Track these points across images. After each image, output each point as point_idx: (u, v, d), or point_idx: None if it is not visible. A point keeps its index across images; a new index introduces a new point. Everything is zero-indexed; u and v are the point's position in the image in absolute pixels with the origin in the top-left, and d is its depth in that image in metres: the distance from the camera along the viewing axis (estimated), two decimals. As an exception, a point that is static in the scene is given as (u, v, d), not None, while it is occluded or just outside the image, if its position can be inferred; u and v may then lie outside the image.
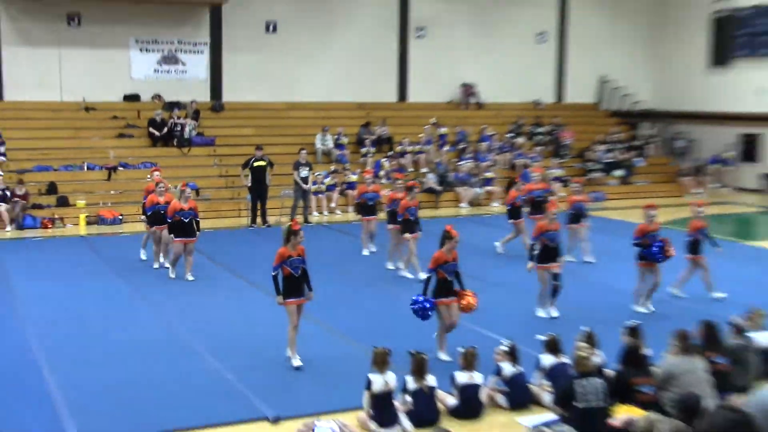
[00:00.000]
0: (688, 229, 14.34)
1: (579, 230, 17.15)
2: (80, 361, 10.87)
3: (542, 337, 9.93)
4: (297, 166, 21.97)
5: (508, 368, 9.51)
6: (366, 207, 17.79)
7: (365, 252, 17.92)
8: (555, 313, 12.89)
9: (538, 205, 17.50)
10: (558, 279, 12.86)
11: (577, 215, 17.04)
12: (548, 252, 12.87)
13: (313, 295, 10.87)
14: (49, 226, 21.12)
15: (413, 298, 10.89)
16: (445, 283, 10.93)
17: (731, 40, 30.13)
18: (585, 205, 17.46)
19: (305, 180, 21.87)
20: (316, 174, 23.23)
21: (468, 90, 30.33)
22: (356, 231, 19.00)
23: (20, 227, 20.82)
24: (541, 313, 13.06)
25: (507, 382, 9.49)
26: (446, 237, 11.05)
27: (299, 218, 21.49)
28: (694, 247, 14.15)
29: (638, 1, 33.11)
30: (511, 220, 18.03)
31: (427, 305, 10.71)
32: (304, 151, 22.56)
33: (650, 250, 13.04)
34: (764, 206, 26.50)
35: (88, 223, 21.51)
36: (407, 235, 15.62)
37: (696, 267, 14.25)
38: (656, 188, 28.77)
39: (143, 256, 17.18)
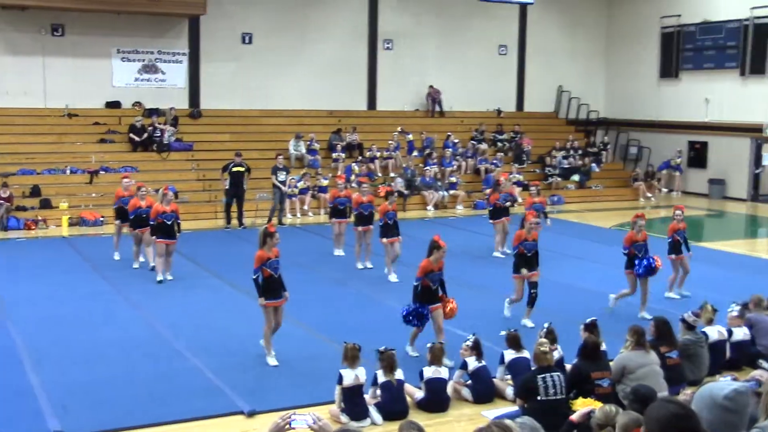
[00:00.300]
0: (667, 232, 14.26)
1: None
2: (62, 359, 10.70)
3: (504, 333, 9.92)
4: (275, 170, 22.02)
5: (472, 362, 9.49)
6: (338, 211, 17.75)
7: (336, 252, 17.86)
8: (530, 324, 12.02)
9: (503, 211, 18.24)
10: (535, 288, 12.33)
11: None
12: (526, 261, 12.38)
13: (288, 296, 10.77)
14: (33, 227, 20.86)
15: (405, 306, 10.74)
16: (429, 291, 10.77)
17: (679, 54, 30.45)
18: (543, 206, 17.74)
19: (284, 183, 21.87)
20: (290, 178, 23.15)
21: (434, 92, 30.24)
22: (327, 233, 18.90)
23: (4, 228, 20.54)
24: (507, 312, 12.72)
25: (471, 376, 9.47)
26: (434, 247, 10.82)
27: (274, 220, 21.45)
28: (674, 248, 14.07)
29: (593, 17, 33.36)
30: (492, 221, 18.30)
31: (423, 311, 10.58)
32: (281, 157, 22.64)
33: (638, 266, 12.68)
34: (711, 209, 26.76)
35: (71, 225, 21.28)
36: (384, 240, 15.52)
37: (677, 266, 14.20)
38: (611, 192, 29.03)
39: (117, 257, 17.01)
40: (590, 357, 8.93)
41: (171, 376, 10.09)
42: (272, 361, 10.49)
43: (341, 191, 17.88)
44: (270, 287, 10.48)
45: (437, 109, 30.36)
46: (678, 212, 14.43)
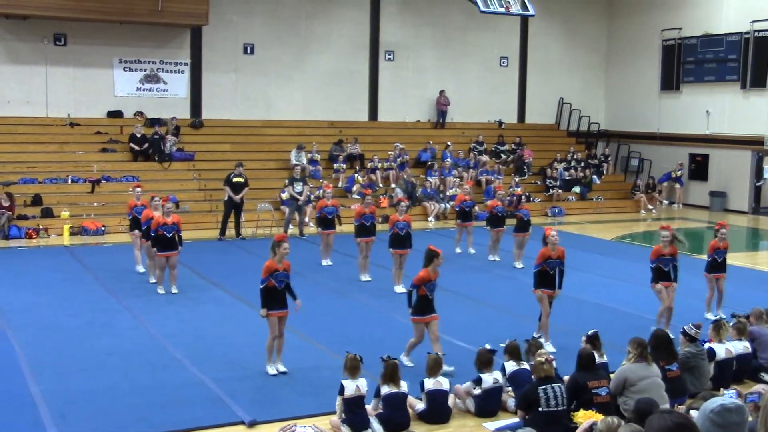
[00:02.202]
0: (708, 250, 13.89)
1: (523, 238, 18.00)
2: (63, 368, 10.67)
3: (503, 345, 9.86)
4: (292, 181, 22.04)
5: (487, 378, 9.32)
6: (325, 220, 17.74)
7: (324, 262, 17.84)
8: (551, 348, 11.29)
9: (499, 219, 18.64)
10: (549, 307, 11.92)
11: (524, 224, 17.81)
12: (546, 278, 11.89)
13: (301, 303, 10.71)
14: (34, 236, 20.86)
15: None
16: (427, 300, 10.80)
17: (680, 66, 30.51)
18: (528, 213, 18.16)
19: (300, 194, 21.91)
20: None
21: (443, 101, 30.23)
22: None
23: (6, 237, 20.52)
24: (549, 346, 11.43)
25: (483, 392, 9.32)
26: (433, 256, 10.82)
27: (294, 230, 21.68)
28: (711, 267, 13.66)
29: (594, 29, 33.45)
30: (489, 227, 18.69)
31: None
32: (298, 167, 22.65)
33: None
34: (712, 222, 26.73)
35: (72, 234, 21.25)
36: (391, 250, 15.41)
37: (713, 285, 13.72)
38: (612, 204, 29.03)
39: (141, 269, 16.64)
40: (586, 367, 8.94)
41: (171, 386, 10.06)
42: (271, 370, 10.48)
43: (329, 200, 17.89)
44: (273, 298, 10.47)
45: (440, 120, 30.36)
46: (723, 230, 13.74)
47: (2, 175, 22.62)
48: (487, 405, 9.32)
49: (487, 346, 9.64)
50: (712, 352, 10.22)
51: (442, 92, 30.19)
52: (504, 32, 31.60)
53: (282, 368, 10.55)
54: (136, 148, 24.63)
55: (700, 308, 13.76)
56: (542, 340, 11.22)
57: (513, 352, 9.66)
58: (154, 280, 15.71)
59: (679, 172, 29.87)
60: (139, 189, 17.07)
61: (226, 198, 21.26)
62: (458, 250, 19.29)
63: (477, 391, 9.33)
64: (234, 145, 26.43)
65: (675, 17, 30.56)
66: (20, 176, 22.95)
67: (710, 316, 13.16)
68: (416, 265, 16.63)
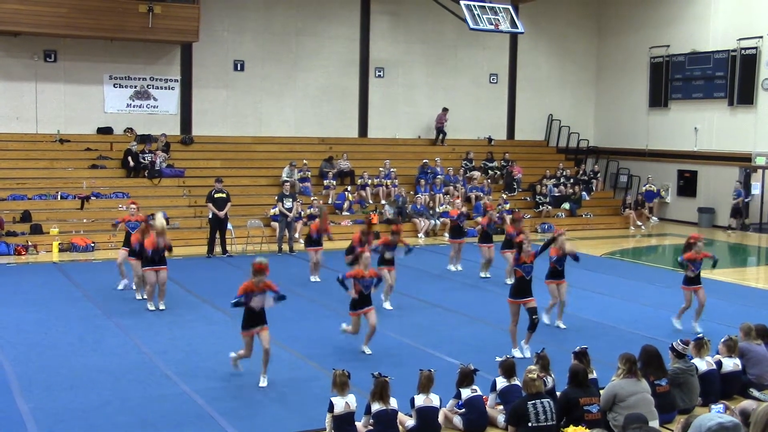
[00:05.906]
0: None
1: (512, 255, 17.79)
2: (52, 385, 10.61)
3: (500, 359, 9.85)
4: (281, 197, 22.06)
5: (466, 392, 9.38)
6: (313, 238, 17.80)
7: (312, 279, 17.84)
8: (527, 353, 11.82)
9: (489, 236, 18.71)
10: (535, 313, 12.06)
11: (511, 242, 17.61)
12: (522, 285, 12.20)
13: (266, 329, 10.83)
14: (23, 253, 20.80)
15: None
16: (362, 295, 11.87)
17: (668, 83, 30.71)
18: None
19: (290, 210, 21.97)
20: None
21: (443, 118, 30.39)
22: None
23: (-6, 254, 20.49)
24: (516, 352, 11.95)
25: (465, 405, 9.37)
26: (358, 256, 12.13)
27: (285, 247, 21.78)
28: (689, 280, 13.73)
29: (583, 47, 33.66)
30: (481, 244, 18.67)
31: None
32: (287, 183, 22.71)
33: None
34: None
35: (61, 250, 21.20)
36: (382, 268, 15.30)
37: (688, 297, 13.86)
38: (601, 220, 29.15)
39: (121, 286, 16.68)
40: (579, 384, 8.94)
41: (161, 402, 10.02)
42: (235, 366, 10.94)
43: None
44: (249, 318, 10.67)
45: (439, 136, 30.52)
46: (700, 243, 13.75)
47: (-9, 191, 22.61)
48: (474, 417, 9.30)
49: (471, 366, 9.62)
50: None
51: (445, 110, 30.35)
52: (493, 49, 31.79)
53: (264, 383, 10.64)
54: (132, 163, 24.53)
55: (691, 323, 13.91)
56: (515, 351, 11.92)
57: (507, 369, 9.62)
58: (140, 297, 15.68)
59: (644, 187, 30.04)
60: (134, 206, 17.06)
61: (210, 216, 21.27)
62: (451, 268, 19.30)
63: (462, 410, 9.34)
64: (224, 161, 26.46)
65: (663, 35, 30.79)
66: (9, 192, 22.93)
67: (677, 325, 13.78)
68: (407, 283, 16.78)
